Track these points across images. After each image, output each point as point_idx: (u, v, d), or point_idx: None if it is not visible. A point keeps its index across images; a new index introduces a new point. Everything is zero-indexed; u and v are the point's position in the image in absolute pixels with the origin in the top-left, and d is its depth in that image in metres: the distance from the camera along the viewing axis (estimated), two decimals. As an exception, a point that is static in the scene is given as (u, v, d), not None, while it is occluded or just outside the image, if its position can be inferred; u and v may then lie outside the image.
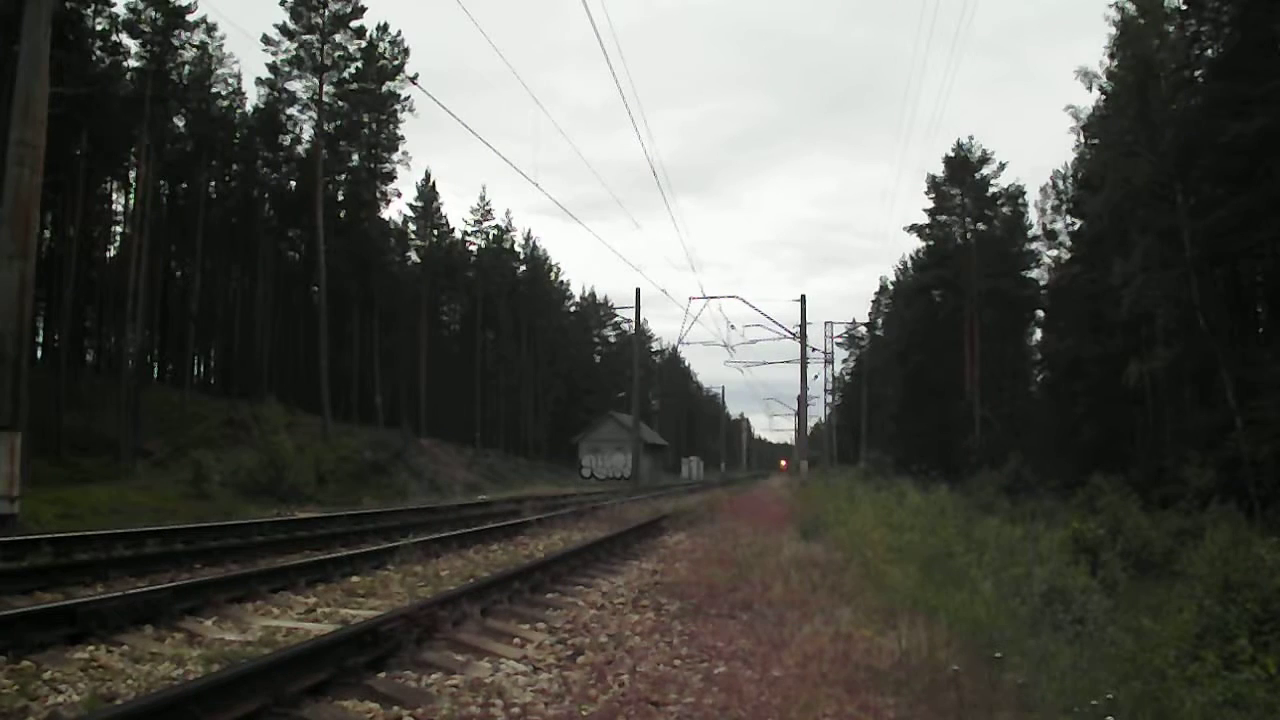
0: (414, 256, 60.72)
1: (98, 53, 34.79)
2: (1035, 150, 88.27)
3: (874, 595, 7.74)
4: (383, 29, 45.41)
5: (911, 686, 4.84)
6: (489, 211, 66.89)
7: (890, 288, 74.75)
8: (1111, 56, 31.94)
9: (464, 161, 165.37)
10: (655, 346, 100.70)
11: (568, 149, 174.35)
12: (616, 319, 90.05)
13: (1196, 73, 29.87)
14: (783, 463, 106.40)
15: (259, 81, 44.09)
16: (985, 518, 22.17)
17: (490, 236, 67.26)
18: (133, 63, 36.46)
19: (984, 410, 48.63)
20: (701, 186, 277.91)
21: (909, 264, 66.70)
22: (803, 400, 43.72)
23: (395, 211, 69.13)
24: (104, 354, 43.03)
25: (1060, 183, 47.73)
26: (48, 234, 32.80)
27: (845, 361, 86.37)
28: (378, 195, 49.54)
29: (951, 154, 54.38)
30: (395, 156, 48.26)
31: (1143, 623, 9.39)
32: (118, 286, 35.43)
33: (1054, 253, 49.86)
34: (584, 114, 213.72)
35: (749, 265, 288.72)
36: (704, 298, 37.24)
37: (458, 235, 65.11)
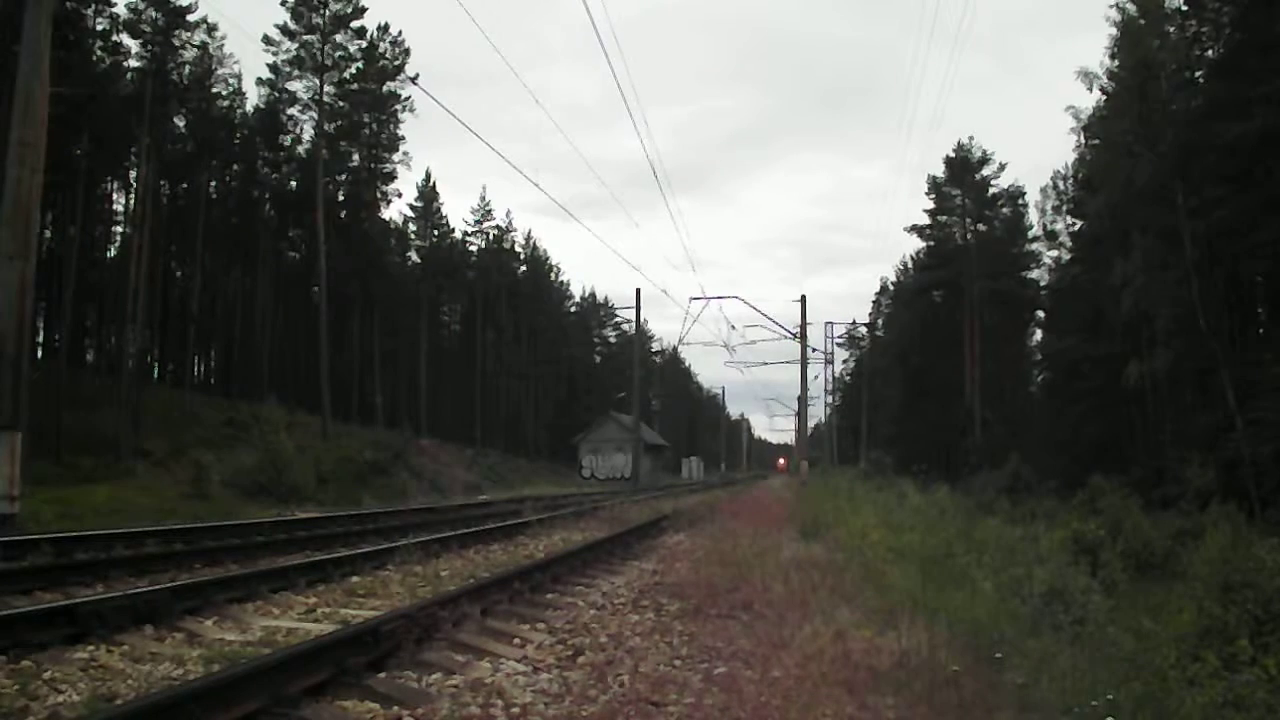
0: (414, 257, 60.73)
1: (98, 53, 34.72)
2: (1035, 150, 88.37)
3: (874, 596, 7.74)
4: (383, 29, 45.39)
5: (911, 687, 4.84)
6: (489, 211, 66.96)
7: (890, 288, 74.83)
8: (1112, 57, 32.01)
9: (459, 158, 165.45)
10: (655, 347, 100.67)
11: (562, 147, 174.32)
12: (617, 319, 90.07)
13: (1197, 73, 29.90)
14: (780, 461, 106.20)
15: (259, 81, 44.13)
16: (985, 518, 22.20)
17: (490, 236, 67.29)
18: (133, 63, 36.44)
19: (984, 411, 48.64)
20: (697, 185, 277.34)
21: (909, 264, 66.78)
22: (803, 400, 43.72)
23: (395, 211, 69.09)
24: (104, 354, 42.98)
25: (1060, 183, 47.72)
26: (48, 234, 32.78)
27: (845, 362, 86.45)
28: (378, 195, 49.55)
29: (952, 154, 54.45)
30: (396, 157, 48.34)
31: (1143, 623, 9.40)
32: (118, 286, 35.40)
33: (1054, 253, 49.84)
34: (577, 111, 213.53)
35: (746, 265, 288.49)
36: (704, 298, 37.25)
37: (458, 235, 65.20)
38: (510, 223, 70.11)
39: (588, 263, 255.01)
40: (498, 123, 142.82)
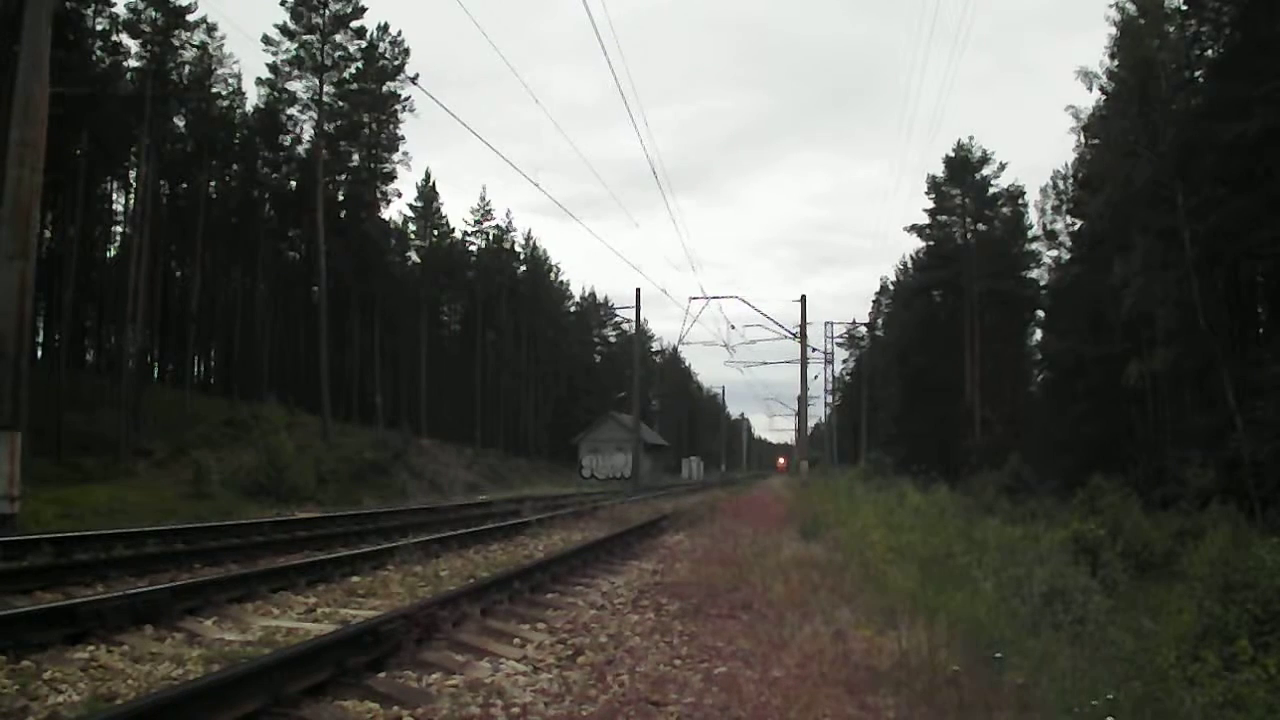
0: (414, 257, 60.73)
1: (98, 53, 34.73)
2: (1034, 148, 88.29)
3: (874, 595, 7.74)
4: (383, 29, 45.44)
5: (911, 687, 4.84)
6: (489, 212, 67.01)
7: (890, 288, 74.83)
8: (1112, 57, 32.00)
9: (459, 158, 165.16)
10: (655, 346, 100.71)
11: (561, 146, 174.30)
12: (616, 319, 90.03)
13: (1197, 73, 29.89)
14: (780, 461, 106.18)
15: (259, 81, 44.08)
16: (985, 518, 22.19)
17: (490, 237, 67.32)
18: (133, 63, 36.45)
19: (984, 411, 48.61)
20: (696, 184, 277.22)
21: (909, 264, 66.77)
22: (803, 400, 43.75)
23: (395, 211, 68.99)
24: (104, 354, 43.01)
25: (1060, 183, 47.72)
26: (48, 234, 32.79)
27: (845, 362, 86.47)
28: (378, 195, 49.51)
29: (952, 154, 54.45)
30: (395, 157, 48.30)
31: (1143, 623, 9.41)
32: (118, 286, 35.42)
33: (1054, 253, 49.85)
34: (577, 111, 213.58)
35: (746, 264, 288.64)
36: (704, 298, 37.28)
37: (458, 235, 65.21)
38: (510, 223, 70.22)
39: (587, 263, 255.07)
40: (497, 123, 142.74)
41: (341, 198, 48.52)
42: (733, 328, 79.81)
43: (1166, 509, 23.94)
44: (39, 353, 33.72)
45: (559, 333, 78.10)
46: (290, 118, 44.71)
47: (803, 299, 38.94)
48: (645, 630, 6.66)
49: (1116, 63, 31.60)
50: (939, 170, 55.03)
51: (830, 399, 68.43)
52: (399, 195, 55.38)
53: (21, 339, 11.82)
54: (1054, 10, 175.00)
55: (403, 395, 53.59)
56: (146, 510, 18.11)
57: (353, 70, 43.85)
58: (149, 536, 11.69)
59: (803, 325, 38.65)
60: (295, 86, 42.85)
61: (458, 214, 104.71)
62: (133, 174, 37.39)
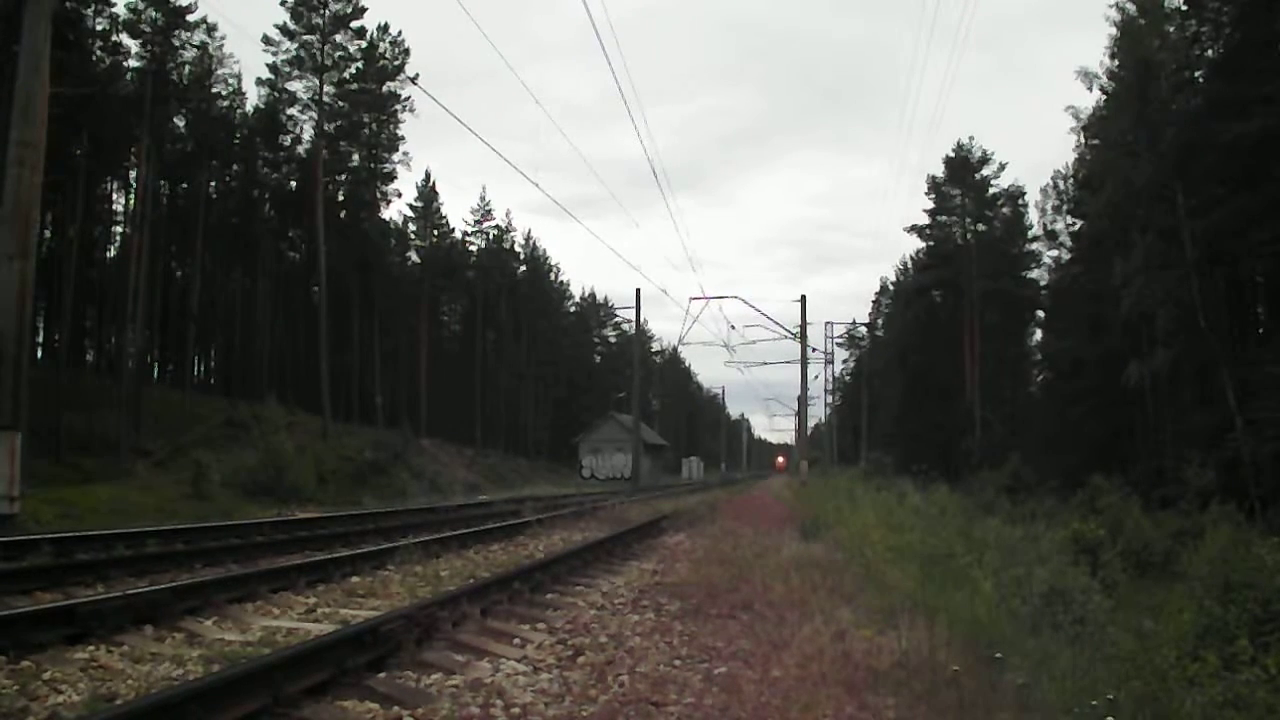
0: (414, 256, 60.76)
1: (98, 53, 34.72)
2: (1034, 148, 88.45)
3: (874, 595, 7.74)
4: (383, 29, 45.42)
5: (911, 687, 4.84)
6: (489, 211, 67.04)
7: (890, 288, 74.85)
8: (1112, 57, 32.04)
9: (459, 158, 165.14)
10: (655, 346, 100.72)
11: (562, 146, 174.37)
12: (616, 319, 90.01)
13: (1197, 73, 29.90)
14: (780, 461, 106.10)
15: (259, 81, 44.11)
16: (985, 518, 22.20)
17: (490, 236, 67.36)
18: (133, 63, 36.45)
19: (984, 411, 48.65)
20: (694, 184, 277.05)
21: (909, 264, 66.80)
22: (803, 400, 43.76)
23: (395, 211, 69.01)
24: (104, 354, 42.98)
25: (1060, 183, 47.70)
26: (48, 234, 32.77)
27: (845, 362, 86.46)
28: (378, 195, 49.53)
29: (951, 154, 54.51)
30: (395, 157, 48.33)
31: (1143, 623, 9.42)
32: (118, 286, 35.41)
33: (1054, 253, 49.84)
34: (576, 110, 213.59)
35: (745, 264, 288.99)
36: (704, 298, 37.30)
37: (458, 235, 65.25)
38: (510, 223, 70.32)
39: (587, 263, 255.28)
40: (497, 122, 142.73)
41: (341, 198, 48.53)
42: (733, 328, 79.59)
43: (1166, 509, 23.96)
44: (39, 353, 33.71)
45: (559, 333, 78.12)
46: (290, 118, 44.76)
47: (802, 299, 38.98)
48: (645, 630, 6.67)
49: (1116, 63, 31.65)
50: (939, 170, 55.17)
51: (830, 399, 68.50)
52: (399, 195, 55.40)
53: (21, 339, 11.83)
54: (1054, 10, 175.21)
55: (403, 395, 53.59)
56: (146, 510, 18.11)
57: (353, 70, 43.87)
58: (149, 536, 11.68)
59: (803, 325, 38.67)
60: (295, 86, 42.94)
61: (458, 214, 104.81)
62: (133, 174, 37.38)
